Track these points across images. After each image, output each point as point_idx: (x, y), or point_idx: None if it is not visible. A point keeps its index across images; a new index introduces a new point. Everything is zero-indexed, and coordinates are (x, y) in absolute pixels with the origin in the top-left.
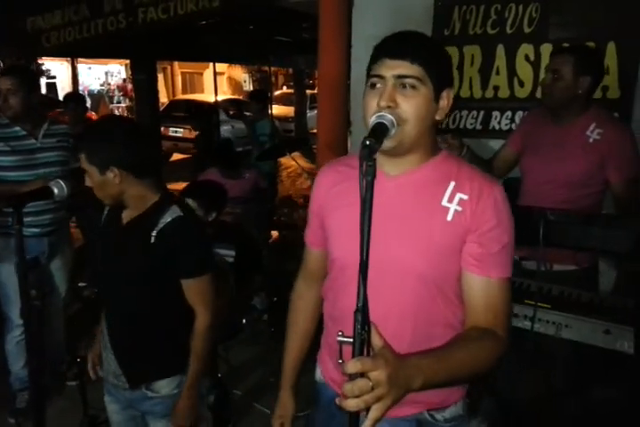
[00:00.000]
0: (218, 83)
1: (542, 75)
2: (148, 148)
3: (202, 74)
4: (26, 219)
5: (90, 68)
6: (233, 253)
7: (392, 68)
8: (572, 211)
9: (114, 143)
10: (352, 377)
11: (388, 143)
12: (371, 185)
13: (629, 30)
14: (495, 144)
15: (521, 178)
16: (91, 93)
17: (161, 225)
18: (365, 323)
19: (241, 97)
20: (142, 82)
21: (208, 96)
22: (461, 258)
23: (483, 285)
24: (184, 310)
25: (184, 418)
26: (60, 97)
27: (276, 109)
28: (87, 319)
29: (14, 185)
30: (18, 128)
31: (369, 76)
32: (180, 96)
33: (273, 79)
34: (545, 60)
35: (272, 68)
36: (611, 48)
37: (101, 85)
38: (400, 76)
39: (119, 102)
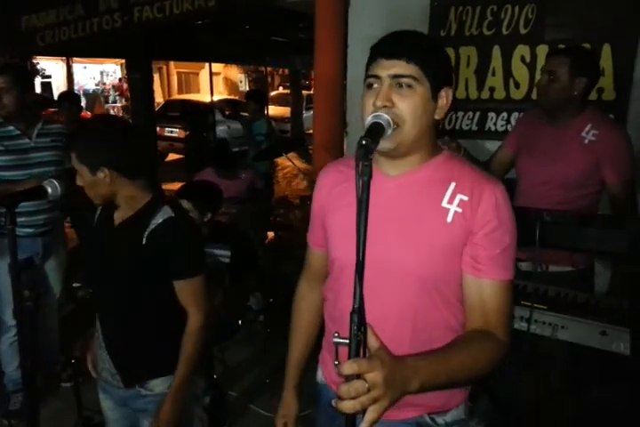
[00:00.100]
0: (214, 83)
1: (538, 76)
2: (140, 148)
3: (198, 74)
4: (19, 219)
5: (85, 67)
6: (228, 253)
7: (388, 68)
8: (568, 212)
9: (105, 144)
10: (348, 379)
11: (387, 144)
12: (367, 185)
13: (624, 32)
14: (491, 145)
15: (516, 179)
16: (86, 93)
17: (152, 226)
18: (362, 324)
19: (237, 97)
20: (137, 81)
21: (204, 96)
22: (462, 260)
23: (483, 287)
24: (177, 311)
25: (166, 422)
26: (55, 96)
27: (272, 110)
28: (82, 320)
29: (8, 184)
30: (11, 127)
31: (366, 76)
32: (176, 96)
33: (269, 80)
34: (541, 62)
35: (268, 69)
36: (606, 50)
37: (97, 85)
38: (396, 76)
39: (114, 102)
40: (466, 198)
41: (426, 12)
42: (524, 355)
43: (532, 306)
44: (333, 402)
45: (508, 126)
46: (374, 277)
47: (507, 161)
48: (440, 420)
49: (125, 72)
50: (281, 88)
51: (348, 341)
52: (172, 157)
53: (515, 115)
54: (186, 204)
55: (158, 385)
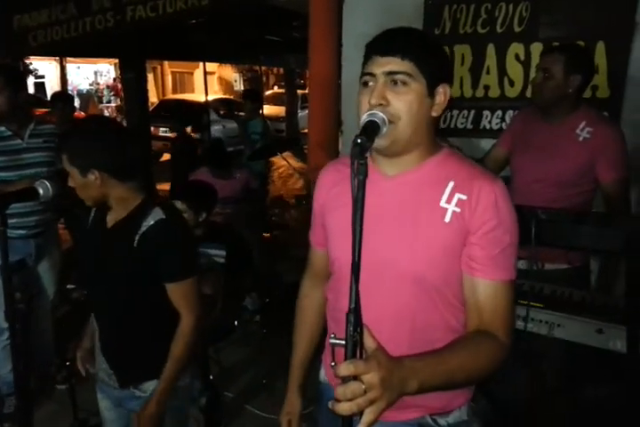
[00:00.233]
0: (208, 82)
1: (532, 74)
2: (132, 150)
3: (192, 73)
4: (12, 220)
5: (79, 67)
6: (224, 253)
7: (382, 65)
8: (563, 210)
9: (95, 146)
10: (345, 380)
11: (382, 142)
12: (362, 184)
13: (618, 30)
14: (486, 144)
15: (511, 176)
16: (80, 93)
17: (143, 228)
18: (358, 325)
19: (232, 97)
20: (131, 81)
21: (198, 96)
22: (461, 260)
23: (484, 288)
24: (171, 313)
25: (148, 422)
26: (49, 97)
27: (267, 109)
28: (76, 321)
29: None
30: (3, 128)
31: (361, 74)
32: (171, 96)
33: (264, 79)
34: (535, 60)
35: (263, 68)
36: (600, 47)
37: (90, 85)
38: (390, 73)
39: (109, 102)
40: (464, 197)
41: (420, 11)
42: (521, 353)
43: (529, 304)
44: (330, 404)
45: (503, 124)
46: (371, 278)
47: (501, 159)
48: (442, 421)
49: (119, 72)
50: (276, 87)
51: (344, 342)
52: (166, 157)
53: (509, 113)
54: (180, 204)
55: (152, 387)
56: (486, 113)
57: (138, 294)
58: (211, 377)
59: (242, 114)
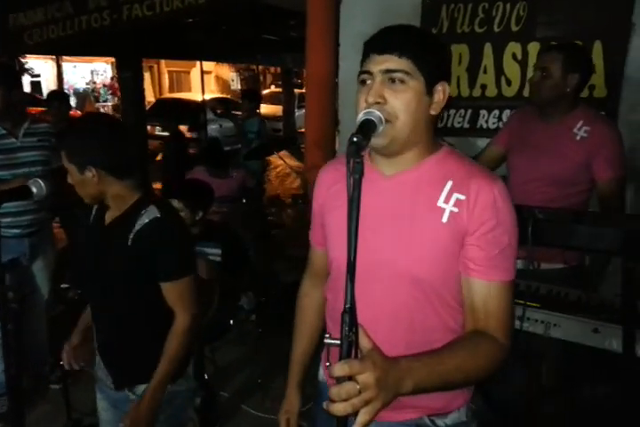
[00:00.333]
0: (205, 81)
1: (529, 73)
2: (129, 148)
3: (189, 73)
4: (5, 219)
5: (75, 66)
6: (219, 251)
7: (379, 64)
8: (560, 209)
9: (93, 143)
10: (340, 380)
11: (379, 141)
12: (358, 183)
13: (615, 29)
14: (482, 143)
15: (507, 175)
16: (76, 92)
17: (138, 227)
18: (353, 324)
19: (229, 96)
20: (128, 80)
21: (195, 95)
22: (459, 261)
23: (482, 289)
24: (167, 313)
25: (137, 423)
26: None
27: (265, 108)
28: (70, 321)
29: None
30: None
31: (359, 72)
32: (167, 95)
33: (261, 78)
34: (532, 59)
35: (260, 67)
36: (597, 47)
37: (87, 84)
38: (388, 71)
39: (105, 101)
40: (462, 197)
41: (417, 10)
42: (518, 353)
43: (525, 304)
44: (325, 405)
45: (500, 124)
46: (368, 278)
47: (497, 157)
48: (440, 422)
49: (116, 71)
50: (273, 86)
51: (339, 342)
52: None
53: (506, 112)
54: (177, 203)
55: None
56: (483, 112)
57: (133, 292)
58: (206, 377)
59: (238, 113)
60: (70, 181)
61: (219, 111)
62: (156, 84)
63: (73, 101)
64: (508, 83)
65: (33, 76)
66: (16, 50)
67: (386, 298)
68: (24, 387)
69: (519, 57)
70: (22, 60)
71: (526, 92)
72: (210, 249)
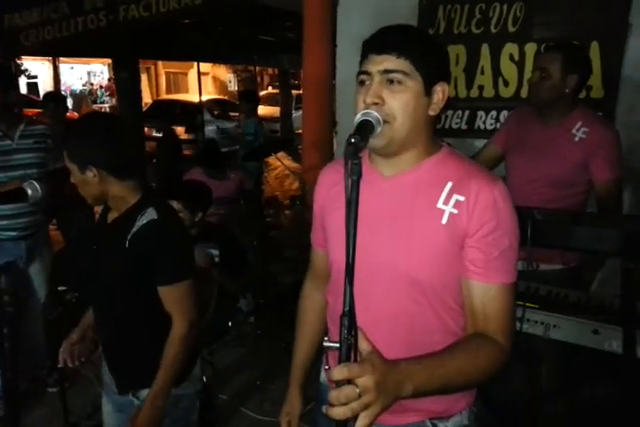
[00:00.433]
0: (202, 83)
1: (527, 74)
2: (130, 148)
3: (186, 74)
4: (1, 222)
5: (72, 67)
6: (217, 252)
7: (378, 64)
8: (559, 210)
9: (93, 143)
10: (339, 384)
11: (377, 142)
12: (356, 184)
13: (612, 30)
14: (480, 144)
15: (505, 176)
16: (73, 93)
17: (135, 228)
18: (352, 327)
19: (226, 97)
20: (125, 81)
21: (192, 96)
22: (460, 263)
23: (483, 291)
24: (167, 317)
25: None
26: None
27: (262, 110)
28: (68, 324)
29: None
30: None
31: (358, 73)
32: (164, 96)
33: (258, 79)
34: (529, 60)
35: (257, 69)
36: (594, 47)
37: (84, 85)
38: (386, 71)
39: (102, 102)
40: (462, 199)
41: (414, 11)
42: (517, 355)
43: (525, 305)
44: (324, 409)
45: (498, 125)
46: (367, 280)
47: (494, 157)
48: (442, 426)
49: (113, 72)
50: (270, 88)
51: (338, 345)
52: None
53: (504, 113)
54: (176, 204)
55: None
56: (480, 113)
57: (131, 294)
58: (204, 379)
59: (235, 114)
60: (73, 180)
61: (216, 112)
62: (153, 85)
63: (70, 103)
64: (506, 84)
65: (29, 77)
66: (12, 51)
67: (385, 300)
68: (21, 390)
69: (516, 58)
70: (18, 62)
71: (524, 93)
72: (208, 250)
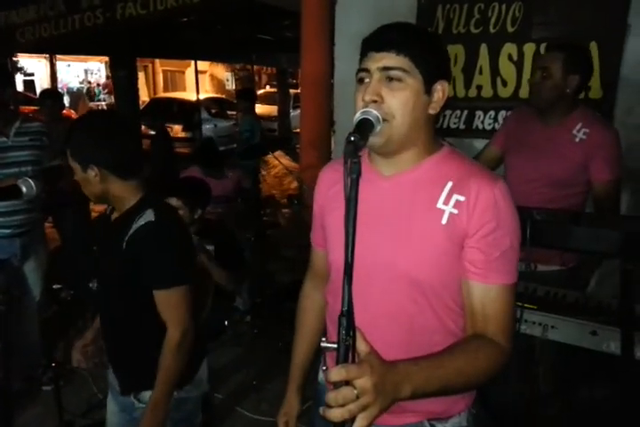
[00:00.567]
0: (200, 81)
1: (525, 74)
2: (132, 148)
3: (184, 72)
4: None
5: (69, 65)
6: (212, 247)
7: (377, 61)
8: (559, 210)
9: (95, 142)
10: (337, 385)
11: (376, 140)
12: (355, 183)
13: (611, 31)
14: (479, 144)
15: (504, 176)
16: (70, 91)
17: (132, 230)
18: (350, 328)
19: (223, 96)
20: (122, 79)
21: (190, 94)
22: (460, 264)
23: (483, 292)
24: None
25: None
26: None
27: (260, 109)
28: (63, 322)
29: None
30: None
31: (357, 70)
32: (162, 94)
33: (256, 78)
34: (528, 60)
35: (255, 67)
36: (592, 48)
37: (81, 83)
38: (385, 68)
39: (99, 100)
40: (462, 199)
41: (413, 10)
42: (516, 356)
43: (523, 306)
44: (321, 410)
45: (496, 125)
46: (366, 280)
47: (494, 158)
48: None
49: (110, 70)
50: (268, 87)
51: (336, 345)
52: None
53: (502, 113)
54: (175, 201)
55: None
56: (479, 113)
57: (129, 295)
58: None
59: (233, 113)
60: (76, 178)
61: (213, 111)
62: (151, 83)
63: (67, 101)
64: (504, 84)
65: (26, 74)
66: (8, 48)
67: (384, 300)
68: (15, 389)
69: (515, 58)
70: (14, 59)
71: (522, 93)
72: (204, 246)
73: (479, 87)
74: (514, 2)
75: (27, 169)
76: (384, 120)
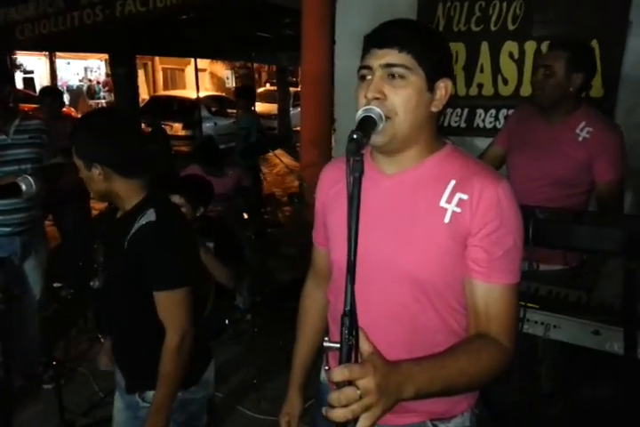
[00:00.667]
0: (200, 79)
1: (526, 72)
2: (137, 147)
3: (183, 70)
4: None
5: (68, 63)
6: (211, 244)
7: (379, 58)
8: (561, 209)
9: (98, 140)
10: (339, 385)
11: (379, 138)
12: (358, 181)
13: (612, 28)
14: (480, 142)
15: (507, 175)
16: (69, 89)
17: (134, 230)
18: (353, 328)
19: (223, 94)
20: (121, 77)
21: (190, 92)
22: (463, 263)
23: (486, 291)
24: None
25: None
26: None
27: (259, 107)
28: (64, 320)
29: None
30: None
31: (359, 67)
32: (162, 92)
33: (256, 76)
34: (529, 58)
35: (255, 65)
36: (594, 46)
37: (80, 81)
38: (388, 65)
39: (99, 98)
40: (465, 197)
41: (414, 8)
42: (518, 355)
43: (525, 305)
44: (324, 411)
45: (497, 123)
46: (368, 279)
47: (497, 157)
48: None
49: (110, 68)
50: (268, 85)
51: (338, 345)
52: None
53: (503, 111)
54: (178, 199)
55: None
56: (480, 112)
57: (132, 294)
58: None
59: (233, 111)
60: (81, 175)
61: (213, 109)
62: (151, 81)
63: (66, 98)
64: (505, 82)
65: (26, 72)
66: (7, 45)
67: (386, 300)
68: (16, 387)
69: (516, 56)
70: (13, 57)
71: (523, 92)
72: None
73: (480, 85)
74: (514, 0)
75: (26, 167)
76: (386, 118)
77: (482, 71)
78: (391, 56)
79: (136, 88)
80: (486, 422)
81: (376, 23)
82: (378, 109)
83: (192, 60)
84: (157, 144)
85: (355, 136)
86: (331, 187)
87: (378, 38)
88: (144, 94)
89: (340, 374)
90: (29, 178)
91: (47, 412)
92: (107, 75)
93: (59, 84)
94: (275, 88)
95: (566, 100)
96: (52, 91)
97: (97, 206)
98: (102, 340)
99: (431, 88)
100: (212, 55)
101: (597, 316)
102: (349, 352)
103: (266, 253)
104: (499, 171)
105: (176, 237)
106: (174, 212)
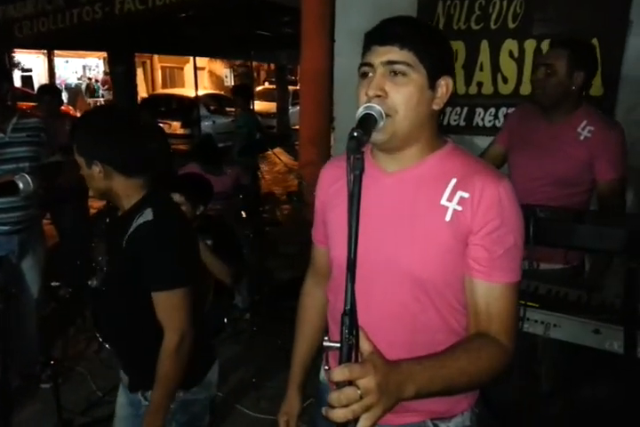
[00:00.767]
0: (198, 78)
1: (526, 71)
2: (136, 145)
3: (182, 68)
4: None
5: (67, 61)
6: (210, 242)
7: (381, 55)
8: (562, 208)
9: (99, 138)
10: (339, 385)
11: (379, 136)
12: (358, 179)
13: (612, 27)
14: (479, 141)
15: (508, 174)
16: (68, 87)
17: (132, 229)
18: (353, 327)
19: (222, 92)
20: (120, 75)
21: (189, 91)
22: (463, 261)
23: (486, 290)
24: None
25: None
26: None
27: (258, 105)
28: (62, 319)
29: None
30: None
31: (360, 65)
32: (160, 90)
33: (255, 75)
34: (529, 57)
35: (254, 64)
36: (594, 44)
37: (79, 79)
38: (389, 63)
39: (98, 96)
40: (466, 196)
41: (413, 6)
42: (518, 354)
43: (526, 304)
44: (324, 411)
45: (496, 122)
46: (368, 277)
47: (498, 156)
48: (443, 426)
49: (108, 66)
50: (267, 83)
51: (338, 345)
52: None
53: (503, 110)
54: (178, 197)
55: None
56: (479, 110)
57: (130, 293)
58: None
59: (231, 109)
60: (82, 173)
61: (212, 108)
62: (149, 79)
63: (65, 97)
64: (505, 80)
65: (24, 70)
66: (6, 43)
67: (387, 298)
68: (14, 387)
69: (516, 54)
70: (11, 55)
71: (523, 90)
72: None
73: (480, 84)
74: None
75: (24, 165)
76: (387, 115)
77: (481, 70)
78: (393, 53)
79: (135, 86)
80: (486, 422)
81: (376, 21)
82: (378, 107)
83: (191, 58)
84: (156, 143)
85: (355, 134)
86: (331, 185)
87: (379, 35)
88: (143, 93)
89: (340, 373)
90: (27, 176)
91: (45, 411)
92: (105, 73)
93: (57, 82)
94: (274, 86)
95: (568, 98)
96: (51, 89)
97: (95, 205)
98: (100, 339)
99: (432, 86)
100: (211, 53)
101: (597, 315)
102: (349, 352)
103: (264, 252)
104: (500, 170)
105: (174, 236)
106: (173, 211)
